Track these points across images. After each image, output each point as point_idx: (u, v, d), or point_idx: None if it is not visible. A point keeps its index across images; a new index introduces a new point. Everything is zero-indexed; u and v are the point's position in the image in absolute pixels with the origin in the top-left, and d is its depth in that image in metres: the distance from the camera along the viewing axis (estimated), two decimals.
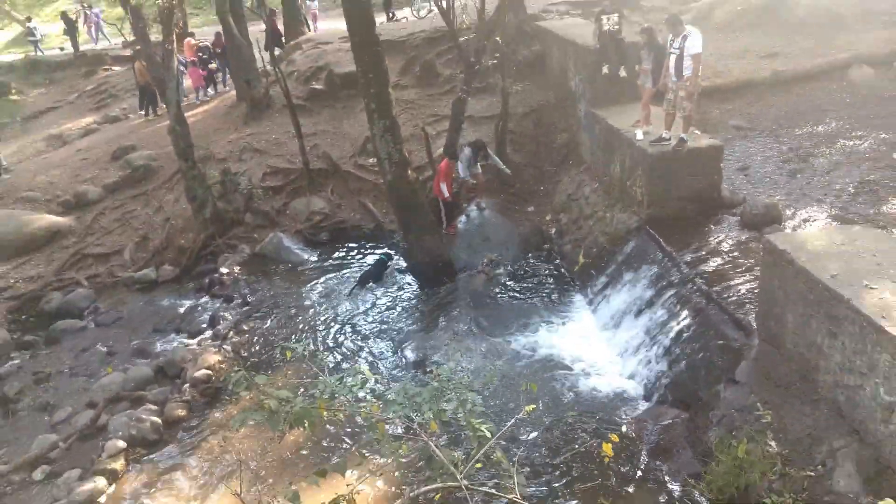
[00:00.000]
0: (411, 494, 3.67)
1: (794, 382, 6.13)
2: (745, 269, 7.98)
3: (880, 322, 4.89)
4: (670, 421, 7.09)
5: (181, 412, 8.64)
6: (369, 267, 11.99)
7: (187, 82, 19.29)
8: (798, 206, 9.26)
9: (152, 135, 16.51)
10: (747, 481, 5.74)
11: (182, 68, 18.69)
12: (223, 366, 9.57)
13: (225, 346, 10.04)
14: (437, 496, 5.57)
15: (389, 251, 12.29)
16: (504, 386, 8.25)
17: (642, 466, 6.80)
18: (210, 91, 19.40)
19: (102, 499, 7.38)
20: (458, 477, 3.35)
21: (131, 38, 16.29)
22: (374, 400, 4.01)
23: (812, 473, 5.49)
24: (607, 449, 3.75)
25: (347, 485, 3.62)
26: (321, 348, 9.79)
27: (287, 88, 14.60)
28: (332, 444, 7.72)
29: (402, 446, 3.83)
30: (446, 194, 11.97)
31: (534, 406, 4.23)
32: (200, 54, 18.76)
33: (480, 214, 12.58)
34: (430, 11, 19.92)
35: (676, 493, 6.43)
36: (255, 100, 16.44)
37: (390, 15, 21.81)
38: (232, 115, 17.05)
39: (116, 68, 23.73)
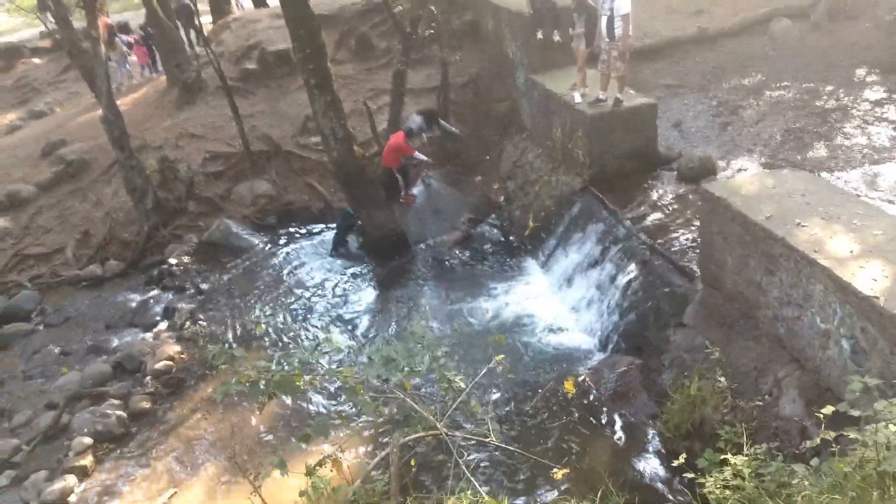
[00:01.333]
0: (400, 442, 3.82)
1: (737, 320, 6.55)
2: (684, 220, 8.38)
3: (813, 255, 5.28)
4: (625, 368, 7.47)
5: (146, 404, 8.56)
6: (337, 230, 11.98)
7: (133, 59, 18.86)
8: (730, 157, 9.73)
9: (81, 127, 15.90)
10: (701, 416, 6.16)
11: (126, 49, 18.19)
12: (183, 356, 9.51)
13: (184, 335, 9.95)
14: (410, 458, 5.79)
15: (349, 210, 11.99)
16: (469, 345, 8.51)
17: (603, 412, 7.17)
18: (152, 72, 18.78)
19: (73, 497, 7.31)
20: (439, 426, 3.54)
21: (52, 25, 15.57)
22: (350, 365, 4.15)
23: (760, 403, 5.91)
24: (569, 387, 4.01)
25: (332, 445, 3.77)
26: (282, 329, 9.82)
27: (221, 70, 14.27)
28: (305, 421, 7.81)
29: (380, 407, 3.99)
30: (424, 158, 12.05)
31: (503, 356, 4.46)
32: (142, 35, 18.17)
33: (429, 187, 12.68)
34: None
35: (637, 433, 6.83)
36: (186, 84, 16.01)
37: None
38: (164, 101, 16.54)
39: (36, 60, 22.57)
